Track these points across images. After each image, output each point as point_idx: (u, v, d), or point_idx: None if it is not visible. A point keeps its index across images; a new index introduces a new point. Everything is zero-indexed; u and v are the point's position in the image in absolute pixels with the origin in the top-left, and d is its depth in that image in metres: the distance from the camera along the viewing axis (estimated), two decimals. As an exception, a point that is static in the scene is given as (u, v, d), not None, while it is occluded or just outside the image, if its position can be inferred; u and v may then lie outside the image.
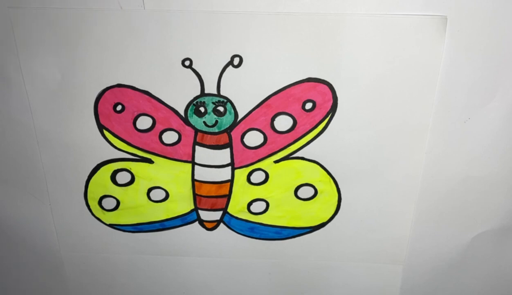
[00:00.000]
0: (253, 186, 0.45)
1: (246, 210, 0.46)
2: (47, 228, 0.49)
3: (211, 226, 0.48)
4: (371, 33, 0.37)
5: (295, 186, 0.45)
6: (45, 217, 0.48)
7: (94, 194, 0.46)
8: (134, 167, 0.45)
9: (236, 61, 0.39)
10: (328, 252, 0.47)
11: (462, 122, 0.40)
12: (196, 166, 0.44)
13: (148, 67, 0.40)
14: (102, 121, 0.42)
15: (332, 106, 0.40)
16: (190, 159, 0.44)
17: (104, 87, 0.41)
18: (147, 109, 0.42)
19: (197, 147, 0.43)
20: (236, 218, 0.47)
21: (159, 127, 0.43)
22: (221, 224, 0.47)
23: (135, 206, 0.47)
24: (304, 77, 0.39)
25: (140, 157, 0.44)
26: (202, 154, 0.44)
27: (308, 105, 0.40)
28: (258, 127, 0.42)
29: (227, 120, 0.42)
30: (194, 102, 0.41)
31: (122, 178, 0.45)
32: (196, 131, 0.43)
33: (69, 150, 0.44)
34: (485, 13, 0.36)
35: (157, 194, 0.46)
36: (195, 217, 0.47)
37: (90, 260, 0.51)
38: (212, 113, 0.42)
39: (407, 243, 0.47)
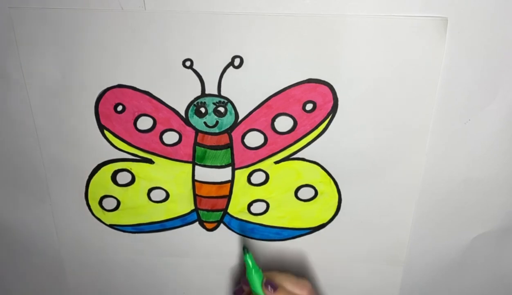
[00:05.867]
0: (253, 187, 0.45)
1: (246, 211, 0.46)
2: (47, 228, 0.49)
3: (211, 227, 0.48)
4: (372, 34, 0.37)
5: (296, 187, 0.45)
6: (45, 217, 0.48)
7: (95, 194, 0.46)
8: (135, 167, 0.45)
9: (236, 62, 0.39)
10: (328, 252, 0.47)
11: (463, 124, 0.40)
12: (196, 166, 0.44)
13: (148, 68, 0.40)
14: (102, 121, 0.43)
15: (332, 107, 0.40)
16: (190, 159, 0.44)
17: (105, 87, 0.41)
18: (148, 110, 0.42)
19: (197, 147, 0.43)
20: (236, 218, 0.47)
21: (159, 127, 0.43)
22: (221, 225, 0.47)
23: (136, 206, 0.47)
24: (305, 78, 0.39)
25: (141, 157, 0.44)
26: (203, 155, 0.44)
27: (309, 106, 0.41)
28: (259, 128, 0.42)
29: (227, 120, 0.42)
30: (195, 102, 0.41)
31: (123, 178, 0.45)
32: (197, 131, 0.43)
33: (70, 150, 0.44)
34: (485, 14, 0.36)
35: (158, 194, 0.46)
36: (195, 217, 0.47)
37: (90, 260, 0.51)
38: (212, 114, 0.42)
39: (407, 244, 0.47)
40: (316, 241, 0.47)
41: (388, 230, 0.46)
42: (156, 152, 0.44)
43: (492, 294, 0.50)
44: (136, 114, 0.42)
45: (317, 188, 0.45)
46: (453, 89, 0.39)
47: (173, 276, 0.51)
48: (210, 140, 0.43)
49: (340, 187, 0.44)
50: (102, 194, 0.46)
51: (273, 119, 0.42)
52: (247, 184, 0.45)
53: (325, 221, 0.46)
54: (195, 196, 0.46)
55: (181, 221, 0.47)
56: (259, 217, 0.47)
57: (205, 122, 0.42)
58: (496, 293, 0.50)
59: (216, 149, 0.43)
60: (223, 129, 0.42)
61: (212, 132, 0.43)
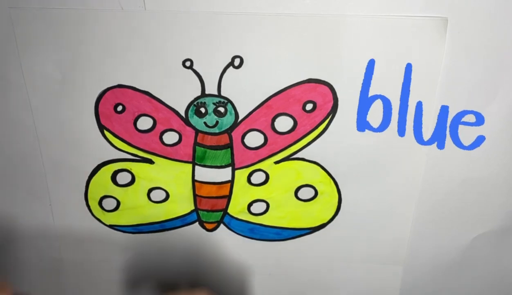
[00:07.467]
0: (253, 187, 0.45)
1: (246, 211, 0.46)
2: (47, 228, 0.49)
3: (211, 227, 0.48)
4: (372, 34, 0.37)
5: (296, 187, 0.45)
6: (45, 217, 0.48)
7: (95, 194, 0.46)
8: (135, 167, 0.45)
9: (236, 62, 0.39)
10: (328, 252, 0.47)
11: (463, 124, 0.41)
12: (196, 167, 0.44)
13: (148, 68, 0.40)
14: (102, 121, 0.43)
15: (332, 107, 0.40)
16: (190, 160, 0.44)
17: (105, 87, 0.41)
18: (148, 110, 0.42)
19: (197, 148, 0.43)
20: (236, 219, 0.47)
21: (159, 127, 0.43)
22: (221, 225, 0.47)
23: (135, 206, 0.47)
24: (305, 78, 0.39)
25: (141, 157, 0.44)
26: (203, 155, 0.44)
27: (309, 106, 0.41)
28: (259, 128, 0.42)
29: (227, 121, 0.42)
30: (195, 103, 0.41)
31: (123, 178, 0.45)
32: (197, 132, 0.43)
33: (70, 150, 0.44)
34: (485, 14, 0.36)
35: (158, 195, 0.46)
36: (195, 217, 0.47)
37: (90, 260, 0.51)
38: (212, 114, 0.42)
39: (407, 244, 0.47)
40: (316, 241, 0.47)
41: (388, 229, 0.46)
42: (156, 152, 0.44)
43: (492, 294, 0.50)
44: (136, 114, 0.42)
45: (317, 188, 0.45)
46: (453, 89, 0.39)
47: (173, 276, 0.51)
48: (210, 141, 0.43)
49: (340, 187, 0.44)
50: (102, 194, 0.46)
51: (273, 119, 0.41)
52: (247, 184, 0.45)
53: (325, 221, 0.46)
54: (195, 196, 0.46)
55: (181, 221, 0.47)
56: (259, 217, 0.47)
57: (205, 123, 0.42)
58: (496, 293, 0.50)
59: (216, 149, 0.43)
60: (223, 129, 0.42)
61: (212, 132, 0.43)
